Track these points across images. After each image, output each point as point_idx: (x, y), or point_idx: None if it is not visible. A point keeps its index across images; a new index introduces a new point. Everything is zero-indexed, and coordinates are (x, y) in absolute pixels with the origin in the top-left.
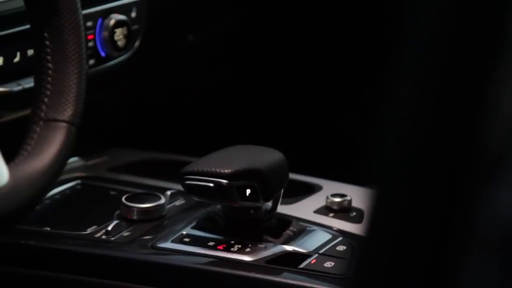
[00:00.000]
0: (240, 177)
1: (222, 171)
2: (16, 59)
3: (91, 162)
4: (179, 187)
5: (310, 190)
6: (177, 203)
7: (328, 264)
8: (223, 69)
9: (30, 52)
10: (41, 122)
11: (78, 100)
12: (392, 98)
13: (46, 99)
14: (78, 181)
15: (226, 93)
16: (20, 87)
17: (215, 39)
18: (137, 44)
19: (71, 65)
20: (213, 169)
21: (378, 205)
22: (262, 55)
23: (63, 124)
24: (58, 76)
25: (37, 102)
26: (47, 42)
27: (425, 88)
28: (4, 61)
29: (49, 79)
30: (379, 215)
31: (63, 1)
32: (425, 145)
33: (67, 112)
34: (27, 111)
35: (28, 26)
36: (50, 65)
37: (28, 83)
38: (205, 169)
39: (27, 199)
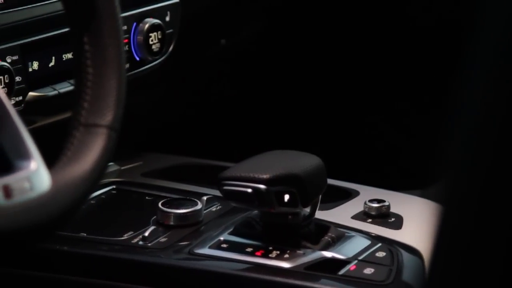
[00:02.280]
0: (278, 182)
1: (260, 176)
2: (51, 64)
3: (125, 167)
4: (215, 192)
5: (347, 195)
6: (214, 208)
7: (368, 270)
8: (257, 73)
9: (65, 56)
10: (81, 127)
11: (118, 104)
12: (463, 112)
13: (86, 104)
14: (113, 186)
15: (261, 98)
16: (55, 92)
17: (246, 42)
18: (171, 48)
19: (111, 69)
20: (251, 175)
21: (447, 221)
22: (296, 59)
23: (103, 129)
24: (98, 81)
25: (77, 107)
26: (87, 47)
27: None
28: (39, 66)
29: (89, 83)
30: (448, 231)
31: (103, 5)
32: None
33: (107, 117)
34: (62, 116)
35: (63, 30)
36: (90, 69)
37: (63, 87)
38: (243, 175)
39: (68, 205)
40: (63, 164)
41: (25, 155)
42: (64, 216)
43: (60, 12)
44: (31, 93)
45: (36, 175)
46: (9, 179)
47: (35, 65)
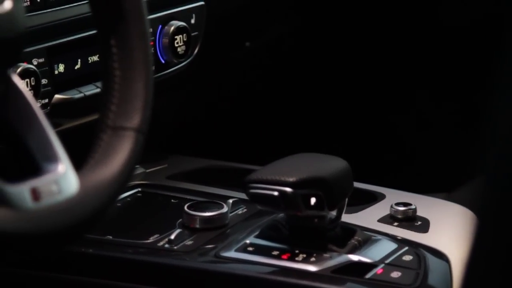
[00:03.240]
0: (305, 185)
1: (287, 179)
2: (77, 66)
3: (150, 169)
4: (240, 195)
5: (373, 198)
6: (240, 211)
7: (395, 274)
8: (282, 75)
9: (91, 59)
10: (109, 130)
11: (146, 107)
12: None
13: (113, 107)
14: (139, 189)
15: (286, 100)
16: (81, 94)
17: (271, 45)
18: (196, 50)
19: (138, 72)
20: (277, 177)
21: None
22: (321, 60)
23: (131, 132)
24: (126, 83)
25: (104, 110)
26: (114, 49)
27: None
28: (65, 68)
29: (116, 86)
30: (486, 240)
31: (130, 8)
32: None
33: (135, 120)
34: (88, 119)
35: (89, 33)
36: (117, 72)
37: (89, 90)
38: (269, 177)
39: (96, 208)
40: (91, 167)
41: (53, 158)
42: (92, 219)
43: (86, 14)
44: (57, 96)
45: (64, 178)
46: (37, 182)
47: (61, 67)
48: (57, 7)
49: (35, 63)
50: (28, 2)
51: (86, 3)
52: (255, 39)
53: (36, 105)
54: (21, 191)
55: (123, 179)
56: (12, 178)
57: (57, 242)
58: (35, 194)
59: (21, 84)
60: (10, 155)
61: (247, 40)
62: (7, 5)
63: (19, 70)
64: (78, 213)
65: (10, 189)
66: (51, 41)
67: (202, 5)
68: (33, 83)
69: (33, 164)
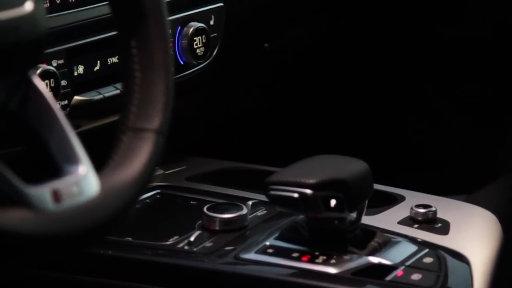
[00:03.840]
0: (325, 187)
1: (307, 181)
2: (97, 68)
3: (169, 171)
4: (260, 197)
5: (393, 200)
6: (259, 213)
7: (416, 276)
8: (300, 77)
9: (110, 60)
10: (129, 131)
11: (166, 109)
12: None
13: (133, 108)
14: (158, 191)
15: (305, 102)
16: (100, 96)
17: (289, 46)
18: (215, 52)
19: (159, 73)
20: (297, 179)
21: None
22: (340, 62)
23: (151, 133)
24: (146, 85)
25: (124, 111)
26: (135, 51)
27: None
28: (85, 70)
29: (136, 87)
30: None
31: (151, 9)
32: None
33: (155, 121)
34: (107, 120)
35: (108, 34)
36: (137, 73)
37: (109, 91)
38: (289, 179)
39: (117, 210)
40: (111, 168)
41: (73, 160)
42: (112, 221)
43: (106, 16)
44: (76, 97)
45: (84, 180)
46: (58, 184)
47: (81, 69)
48: (77, 8)
49: (54, 64)
50: (48, 4)
51: (106, 4)
52: (273, 41)
53: (56, 106)
54: (42, 193)
55: (144, 181)
56: (33, 180)
57: (77, 244)
58: (56, 196)
59: (42, 86)
60: (30, 156)
61: (266, 42)
62: (28, 6)
63: (38, 71)
64: (99, 215)
65: (31, 191)
66: (70, 43)
67: (221, 6)
68: (52, 85)
69: (53, 166)
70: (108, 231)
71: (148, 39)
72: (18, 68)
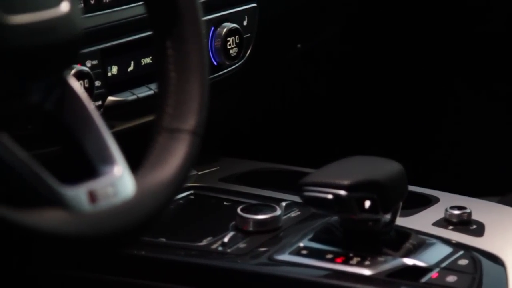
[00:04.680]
0: (359, 188)
1: (341, 182)
2: (130, 68)
3: (203, 172)
4: (293, 198)
5: (427, 202)
6: (293, 214)
7: (451, 278)
8: (334, 78)
9: (144, 61)
10: (164, 132)
11: (201, 109)
12: None
13: (169, 109)
14: (191, 191)
15: (339, 103)
16: (134, 96)
17: (322, 47)
18: (248, 52)
19: (194, 74)
20: (332, 180)
21: None
22: (374, 63)
23: (186, 134)
24: (181, 86)
25: (159, 112)
26: (170, 51)
27: None
28: (119, 70)
29: (172, 88)
30: None
31: (186, 10)
32: None
33: (191, 122)
34: (141, 121)
35: (142, 35)
36: (172, 74)
37: (142, 92)
38: (323, 180)
39: (152, 210)
40: (147, 169)
41: (109, 160)
42: (147, 221)
43: (140, 16)
44: (110, 98)
45: (120, 181)
46: (94, 185)
47: (114, 69)
48: (111, 8)
49: (88, 65)
50: (82, 4)
51: (140, 4)
52: (306, 41)
53: (92, 107)
54: (78, 193)
55: (179, 182)
56: (68, 180)
57: (113, 245)
58: (92, 196)
59: (77, 86)
60: (66, 157)
61: (299, 42)
62: (65, 7)
63: (73, 72)
64: (135, 216)
65: (66, 192)
66: (104, 43)
67: (254, 7)
68: (86, 85)
69: (89, 167)
70: (143, 232)
71: (183, 40)
72: (54, 69)
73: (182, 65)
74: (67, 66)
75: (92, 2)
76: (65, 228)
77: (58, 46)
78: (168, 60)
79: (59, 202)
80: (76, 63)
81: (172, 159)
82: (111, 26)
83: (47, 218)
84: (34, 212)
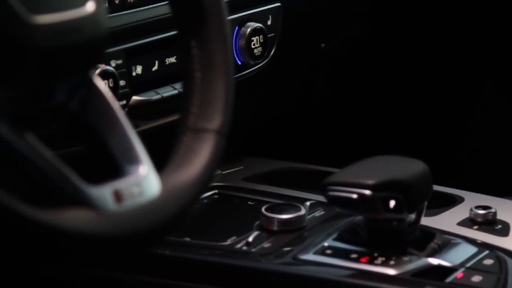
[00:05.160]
0: (384, 188)
1: (366, 182)
2: (155, 68)
3: (227, 171)
4: (318, 197)
5: (452, 201)
6: (317, 214)
7: (476, 278)
8: (357, 77)
9: (168, 60)
10: (189, 132)
11: (227, 109)
12: None
13: (194, 108)
14: (215, 191)
15: (362, 102)
16: (158, 96)
17: (346, 46)
18: (272, 52)
19: (219, 74)
20: (356, 180)
21: None
22: (396, 62)
23: (212, 134)
24: (206, 85)
25: (184, 111)
26: (195, 51)
27: None
28: (143, 70)
29: (197, 88)
30: None
31: (211, 9)
32: None
33: (216, 122)
34: (165, 120)
35: (166, 35)
36: (197, 74)
37: (167, 91)
38: (348, 180)
39: (177, 210)
40: (172, 169)
41: (134, 160)
42: (173, 221)
43: (164, 16)
44: (134, 97)
45: (145, 180)
46: (119, 184)
47: (139, 69)
48: (135, 8)
49: (113, 64)
50: (107, 4)
51: (164, 4)
52: (330, 40)
53: (117, 106)
54: (104, 193)
55: (204, 181)
56: (94, 180)
57: (138, 245)
58: (117, 196)
59: (102, 86)
60: (91, 157)
61: (322, 41)
62: (90, 7)
63: (97, 71)
64: (160, 216)
65: (92, 191)
66: (129, 43)
67: (278, 6)
68: (111, 85)
69: (114, 166)
70: (168, 232)
71: (208, 39)
72: (80, 68)
73: (207, 64)
74: (92, 66)
75: (117, 1)
76: (91, 227)
77: (84, 46)
78: (193, 60)
79: (85, 202)
80: (101, 63)
81: (197, 158)
82: (136, 25)
83: (73, 218)
84: (60, 212)
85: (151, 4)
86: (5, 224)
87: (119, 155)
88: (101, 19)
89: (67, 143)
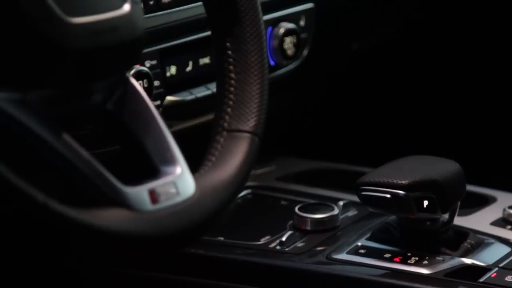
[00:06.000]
0: (417, 188)
1: (400, 182)
2: (188, 68)
3: (260, 171)
4: (351, 197)
5: (484, 201)
6: (350, 213)
7: (510, 278)
8: (390, 78)
9: (202, 61)
10: (225, 133)
11: (261, 110)
12: None
13: (229, 110)
14: (249, 191)
15: (395, 102)
16: (192, 96)
17: (378, 47)
18: (305, 52)
19: (254, 75)
20: (390, 180)
21: None
22: (430, 63)
23: (247, 135)
24: (241, 86)
25: (219, 112)
26: (230, 52)
27: None
28: (177, 70)
29: (232, 89)
30: None
31: (246, 10)
32: None
33: (251, 123)
34: (199, 120)
35: (200, 35)
36: (232, 75)
37: (201, 92)
38: (381, 180)
39: (213, 210)
40: (207, 169)
41: (170, 160)
42: (209, 221)
43: (198, 16)
44: (168, 98)
45: (181, 180)
46: (155, 184)
47: (173, 69)
48: (170, 9)
49: (147, 65)
50: (142, 5)
51: (200, 5)
52: (363, 41)
53: (154, 108)
54: (140, 193)
55: (239, 182)
56: (130, 180)
57: (175, 244)
58: (154, 196)
59: (139, 86)
60: (126, 156)
61: (355, 42)
62: (127, 8)
63: (132, 72)
64: (196, 216)
65: (129, 191)
66: (163, 43)
67: (311, 7)
68: (145, 85)
69: (150, 166)
70: (204, 232)
71: (243, 40)
72: (117, 69)
73: (242, 65)
74: (129, 66)
75: (151, 2)
76: (127, 227)
77: (121, 46)
78: (228, 61)
79: (122, 202)
80: (137, 63)
81: (233, 159)
82: (170, 26)
83: (111, 218)
84: (97, 212)
85: (186, 5)
86: (45, 224)
87: (155, 155)
88: (138, 20)
89: (102, 143)
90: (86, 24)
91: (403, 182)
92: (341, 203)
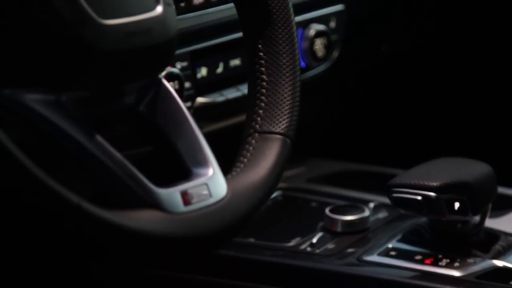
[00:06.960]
0: (448, 190)
1: (431, 183)
2: (219, 70)
3: (290, 172)
4: (381, 199)
5: None
6: (381, 215)
7: None
8: (421, 79)
9: (233, 62)
10: (257, 135)
11: (293, 112)
12: None
13: (261, 111)
14: (279, 192)
15: (426, 104)
16: (223, 98)
17: (407, 48)
18: (335, 54)
19: (285, 76)
20: (421, 182)
21: None
22: (460, 64)
23: (279, 137)
24: (273, 88)
25: (252, 114)
26: (261, 54)
27: None
28: (208, 72)
29: (264, 91)
30: None
31: (278, 12)
32: None
33: (282, 124)
34: (229, 122)
35: (231, 37)
36: (264, 76)
37: (231, 93)
38: (412, 182)
39: (244, 212)
40: (240, 170)
41: (203, 162)
42: (240, 223)
43: (229, 18)
44: (199, 99)
45: (213, 182)
46: (188, 186)
47: (204, 71)
48: (201, 10)
49: (178, 66)
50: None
51: (230, 6)
52: (393, 42)
53: (186, 110)
54: (173, 195)
55: (271, 184)
56: (162, 181)
57: (207, 245)
58: (186, 197)
59: (171, 88)
60: (158, 158)
61: (385, 43)
62: (160, 9)
63: (163, 73)
64: (228, 217)
65: (161, 193)
66: (194, 45)
67: (342, 8)
68: (176, 87)
69: (183, 168)
70: (235, 233)
71: (275, 41)
72: (149, 70)
73: (273, 67)
74: (162, 67)
75: (183, 4)
76: (160, 229)
77: (154, 48)
78: (260, 62)
79: (154, 203)
80: (170, 65)
81: (264, 161)
82: (201, 28)
83: (143, 219)
84: (130, 213)
85: (217, 6)
86: (78, 225)
87: (187, 157)
88: (170, 22)
89: (135, 145)
90: (119, 26)
91: (434, 184)
92: (371, 204)
